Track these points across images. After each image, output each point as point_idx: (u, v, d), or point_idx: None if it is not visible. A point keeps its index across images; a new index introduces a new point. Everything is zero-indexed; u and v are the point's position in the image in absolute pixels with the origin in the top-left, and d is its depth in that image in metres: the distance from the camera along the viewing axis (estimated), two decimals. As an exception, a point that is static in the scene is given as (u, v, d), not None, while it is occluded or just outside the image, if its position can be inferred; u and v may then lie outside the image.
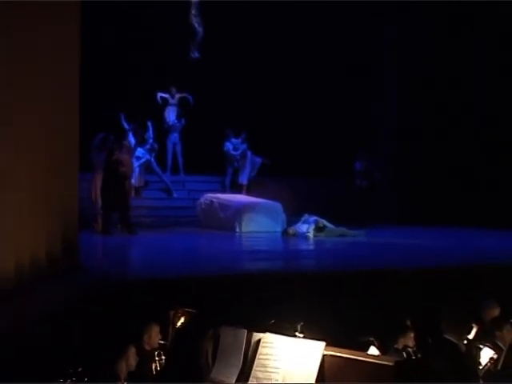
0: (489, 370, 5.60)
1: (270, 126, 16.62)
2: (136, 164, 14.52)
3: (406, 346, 6.21)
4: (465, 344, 5.36)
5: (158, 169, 16.14)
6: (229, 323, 4.53)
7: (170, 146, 16.61)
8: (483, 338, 6.04)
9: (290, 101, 17.00)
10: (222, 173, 16.92)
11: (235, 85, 16.77)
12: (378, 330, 6.54)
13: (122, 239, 12.63)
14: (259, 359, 4.29)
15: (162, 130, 16.47)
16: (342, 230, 14.10)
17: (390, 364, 3.93)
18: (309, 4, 16.53)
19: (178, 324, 5.02)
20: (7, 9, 6.35)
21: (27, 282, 6.72)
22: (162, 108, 16.62)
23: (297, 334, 4.44)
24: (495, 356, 5.68)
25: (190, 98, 16.77)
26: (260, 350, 4.32)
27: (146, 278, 8.07)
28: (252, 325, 4.50)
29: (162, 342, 5.87)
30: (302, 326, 4.50)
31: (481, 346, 5.79)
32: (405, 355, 5.90)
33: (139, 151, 14.67)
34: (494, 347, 5.79)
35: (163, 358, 5.60)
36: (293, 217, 14.61)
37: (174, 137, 16.61)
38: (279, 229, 14.31)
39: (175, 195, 16.43)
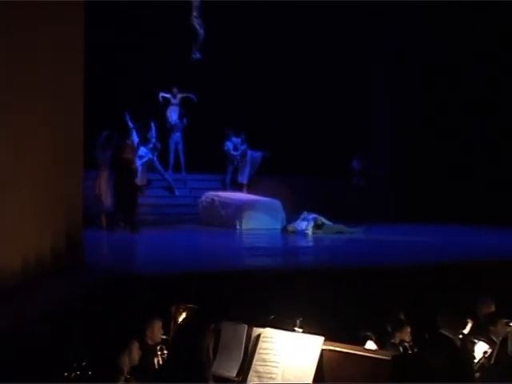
0: (483, 364, 5.70)
1: (270, 126, 16.69)
2: (139, 163, 14.59)
3: (402, 341, 6.28)
4: (460, 338, 5.44)
5: (160, 167, 16.23)
6: (229, 318, 4.63)
7: (172, 145, 16.71)
8: (478, 333, 6.14)
9: (290, 101, 17.06)
10: (223, 171, 17.00)
11: (235, 85, 16.87)
12: (376, 325, 6.64)
13: (125, 236, 12.71)
14: (259, 353, 4.38)
15: (165, 130, 16.55)
16: (340, 227, 14.20)
17: (387, 358, 4.05)
18: (308, 4, 16.57)
19: (180, 319, 5.10)
20: (7, 9, 6.32)
21: (33, 277, 6.77)
22: (164, 108, 16.71)
23: (296, 329, 4.48)
24: (489, 350, 5.77)
25: (193, 97, 16.86)
26: (260, 344, 4.41)
27: (148, 275, 8.13)
28: (252, 320, 4.58)
29: (165, 336, 5.93)
30: (301, 321, 4.52)
31: (475, 341, 5.89)
32: (401, 350, 5.97)
33: (142, 150, 14.73)
34: (488, 341, 5.89)
35: (165, 352, 5.67)
36: (292, 214, 14.71)
37: (176, 136, 16.70)
38: (279, 226, 14.42)
39: (177, 193, 16.53)
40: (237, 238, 13.68)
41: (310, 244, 13.22)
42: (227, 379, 4.42)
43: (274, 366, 4.31)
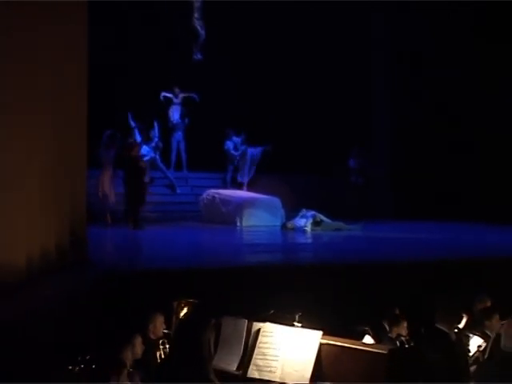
0: (477, 357, 5.80)
1: (270, 126, 16.77)
2: (142, 161, 14.68)
3: (399, 335, 6.38)
4: (455, 333, 5.55)
5: (162, 166, 16.35)
6: (230, 313, 4.72)
7: (174, 144, 16.79)
8: (473, 328, 6.23)
9: (290, 100, 17.12)
10: (224, 170, 17.10)
11: (236, 85, 16.95)
12: (373, 320, 6.73)
13: (128, 233, 12.81)
14: (259, 348, 4.47)
15: (167, 129, 16.65)
16: (339, 224, 14.28)
17: (384, 352, 4.15)
18: (308, 4, 16.62)
19: (182, 314, 5.19)
20: (7, 9, 6.28)
21: (37, 274, 6.82)
22: (166, 107, 16.80)
23: (295, 323, 4.53)
24: (484, 344, 5.87)
25: (195, 96, 16.93)
26: (260, 338, 4.50)
27: (150, 271, 8.20)
28: (252, 315, 4.66)
29: (167, 331, 6.02)
30: (300, 316, 4.57)
31: (470, 335, 5.99)
32: (398, 344, 6.07)
33: (144, 149, 14.81)
34: (483, 336, 5.99)
35: (167, 346, 5.79)
36: (291, 212, 14.82)
37: (178, 135, 16.78)
38: (278, 223, 14.52)
39: (179, 191, 16.63)
40: (237, 234, 13.77)
41: (309, 241, 13.29)
42: (228, 373, 4.48)
43: (274, 360, 4.39)
